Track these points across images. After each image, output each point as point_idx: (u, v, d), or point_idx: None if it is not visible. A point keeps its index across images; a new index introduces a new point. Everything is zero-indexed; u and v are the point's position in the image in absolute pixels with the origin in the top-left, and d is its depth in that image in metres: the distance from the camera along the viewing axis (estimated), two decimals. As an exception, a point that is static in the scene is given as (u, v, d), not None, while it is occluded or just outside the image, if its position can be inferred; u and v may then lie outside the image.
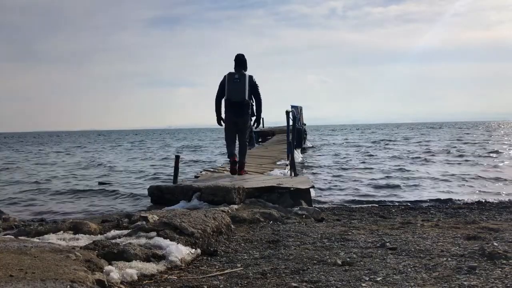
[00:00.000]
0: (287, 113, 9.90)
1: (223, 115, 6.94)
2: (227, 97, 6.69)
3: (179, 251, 3.04)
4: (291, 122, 10.24)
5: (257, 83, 6.82)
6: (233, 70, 6.78)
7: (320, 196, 8.30)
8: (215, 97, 6.86)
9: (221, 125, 6.94)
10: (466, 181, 10.24)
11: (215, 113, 6.94)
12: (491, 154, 17.34)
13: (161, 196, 5.72)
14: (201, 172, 8.74)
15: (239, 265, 2.96)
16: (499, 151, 18.92)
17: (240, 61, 6.76)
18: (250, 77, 6.69)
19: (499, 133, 43.39)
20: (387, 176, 11.20)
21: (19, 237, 3.47)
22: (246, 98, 6.65)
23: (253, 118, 7.01)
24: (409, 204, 7.30)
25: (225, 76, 6.71)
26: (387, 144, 27.32)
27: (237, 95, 6.63)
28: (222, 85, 6.73)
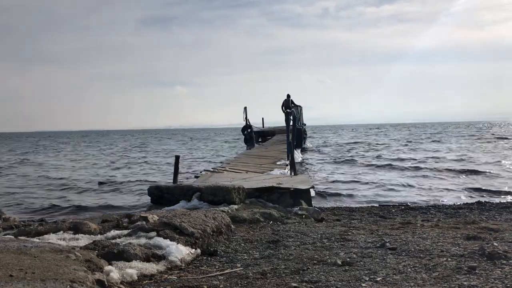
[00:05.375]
0: (287, 113, 9.90)
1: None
2: (285, 106, 18.36)
3: (179, 251, 3.04)
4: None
5: (293, 100, 19.06)
6: (285, 97, 19.22)
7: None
8: (281, 106, 18.80)
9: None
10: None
11: (283, 110, 18.07)
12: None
13: (161, 196, 5.72)
14: (201, 172, 8.74)
15: (239, 265, 2.96)
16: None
17: (288, 95, 18.97)
18: (292, 100, 18.96)
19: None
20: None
21: (19, 237, 3.46)
22: (291, 108, 16.62)
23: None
24: (409, 204, 7.31)
25: (284, 100, 18.89)
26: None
27: (288, 107, 18.02)
28: (283, 102, 18.91)
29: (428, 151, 20.17)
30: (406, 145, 26.03)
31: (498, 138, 30.39)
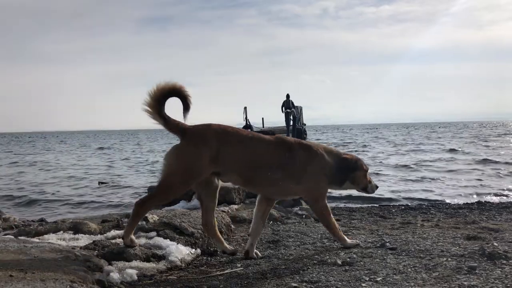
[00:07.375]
0: (287, 113, 9.90)
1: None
2: (286, 107, 19.49)
3: (179, 251, 3.04)
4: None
5: (292, 101, 20.03)
6: (285, 97, 20.37)
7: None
8: (281, 107, 19.52)
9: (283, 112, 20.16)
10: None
11: (283, 110, 19.53)
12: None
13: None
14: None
15: (239, 265, 2.96)
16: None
17: (288, 95, 19.78)
18: (291, 100, 19.70)
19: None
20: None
21: (19, 237, 3.46)
22: (291, 108, 19.72)
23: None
24: (409, 204, 7.31)
25: (284, 101, 19.56)
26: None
27: (288, 107, 19.61)
28: (283, 103, 19.56)
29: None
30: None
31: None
